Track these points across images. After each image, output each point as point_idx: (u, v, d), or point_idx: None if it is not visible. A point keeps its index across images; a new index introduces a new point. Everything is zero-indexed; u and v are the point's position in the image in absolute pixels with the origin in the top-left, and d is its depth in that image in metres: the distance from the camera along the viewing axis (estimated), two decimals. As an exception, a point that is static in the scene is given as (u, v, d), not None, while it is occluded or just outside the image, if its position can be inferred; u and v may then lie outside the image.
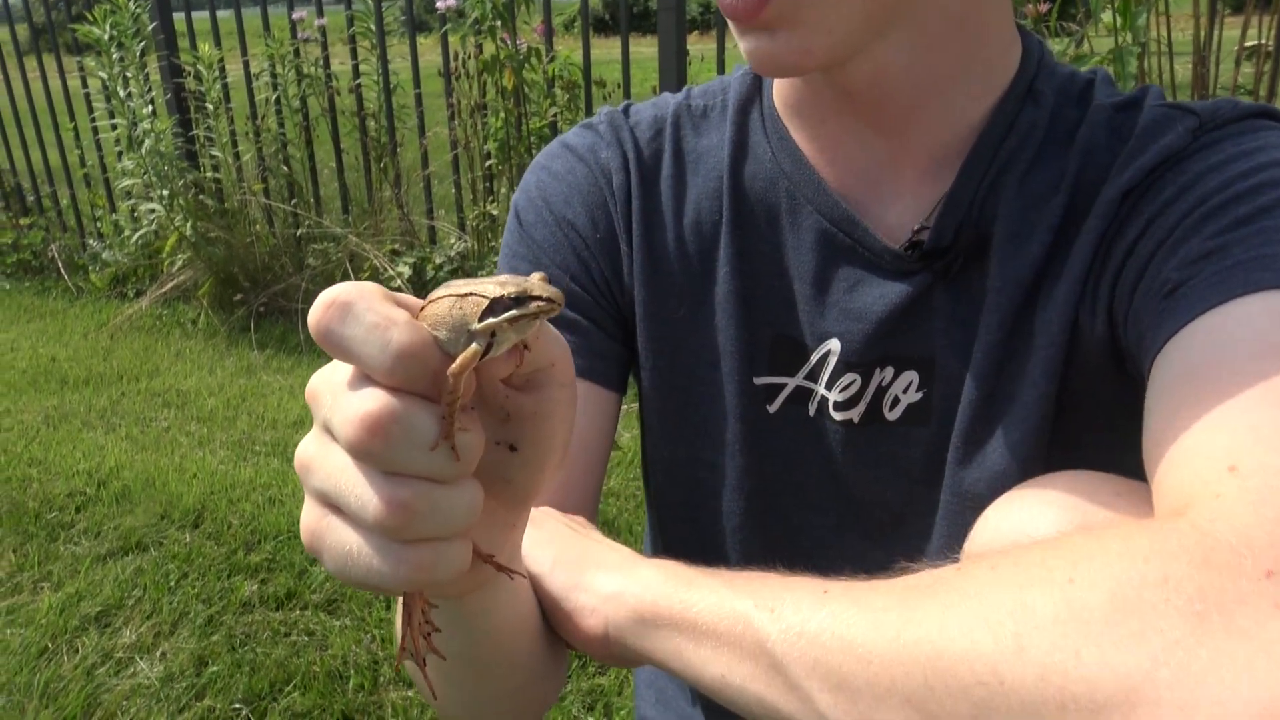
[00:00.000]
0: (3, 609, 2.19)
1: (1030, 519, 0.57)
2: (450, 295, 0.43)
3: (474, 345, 0.42)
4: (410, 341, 0.41)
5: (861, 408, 0.76)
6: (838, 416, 0.76)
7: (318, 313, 0.42)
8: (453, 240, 3.95)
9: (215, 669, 1.94)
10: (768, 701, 0.52)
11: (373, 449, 0.41)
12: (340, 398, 0.43)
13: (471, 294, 0.42)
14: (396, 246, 3.98)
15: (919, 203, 0.73)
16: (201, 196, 4.22)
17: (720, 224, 0.79)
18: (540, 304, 0.42)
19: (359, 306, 0.41)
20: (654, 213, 0.80)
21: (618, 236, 0.81)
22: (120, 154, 4.45)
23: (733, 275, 0.78)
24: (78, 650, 2.03)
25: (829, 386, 0.76)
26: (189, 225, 4.11)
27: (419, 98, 3.91)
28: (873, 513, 0.78)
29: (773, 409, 0.78)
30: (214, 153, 4.27)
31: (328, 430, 0.44)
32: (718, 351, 0.79)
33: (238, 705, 1.84)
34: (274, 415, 3.23)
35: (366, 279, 3.86)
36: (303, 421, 3.16)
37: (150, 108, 4.18)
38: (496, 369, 0.44)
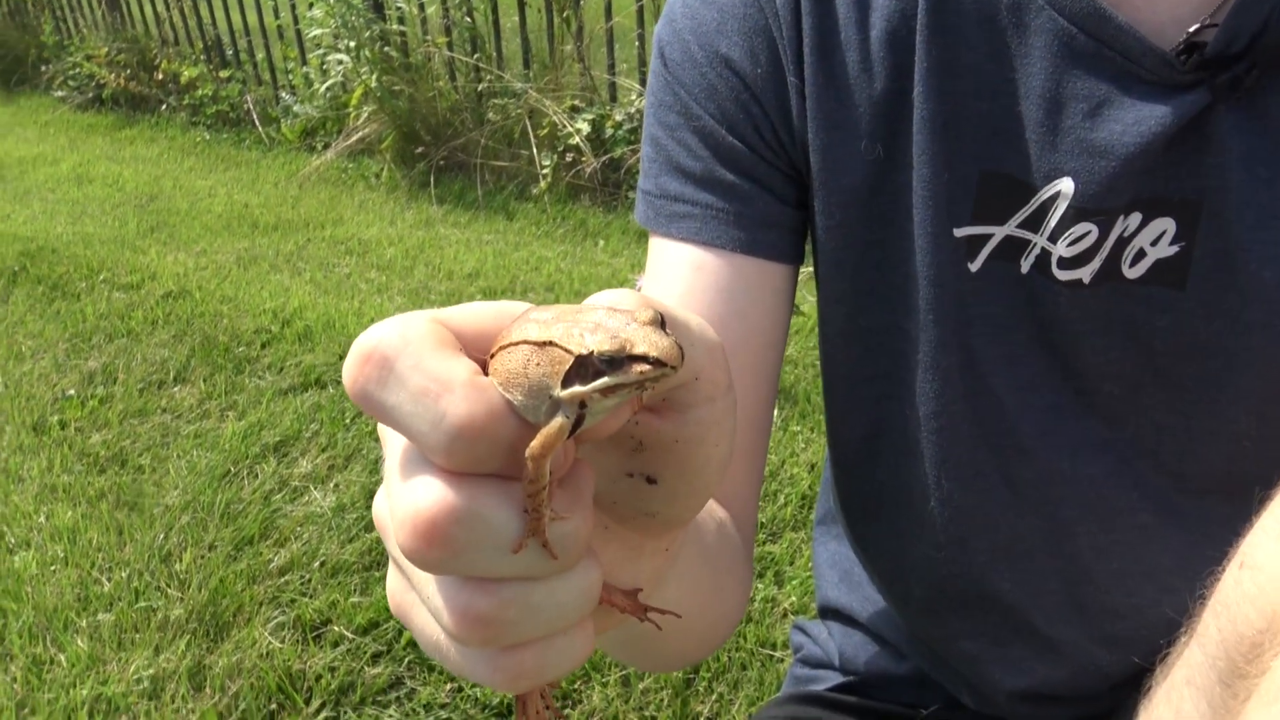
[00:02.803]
0: (191, 433, 2.27)
1: None
2: (526, 343, 0.29)
3: (559, 418, 0.28)
4: (470, 416, 0.28)
5: (1096, 264, 0.58)
6: (1062, 276, 0.59)
7: (352, 369, 0.30)
8: (633, 97, 3.80)
9: (384, 504, 1.95)
10: None
11: (432, 560, 0.29)
12: (391, 480, 0.31)
13: (551, 344, 0.28)
14: (576, 103, 3.87)
15: None
16: (387, 49, 4.21)
17: (915, 31, 0.60)
18: (645, 369, 0.28)
19: (402, 364, 0.29)
20: (831, 31, 0.62)
21: (784, 68, 0.63)
22: (311, 4, 4.48)
23: (929, 96, 0.59)
24: (257, 476, 2.08)
25: (1054, 238, 0.59)
26: (375, 77, 4.11)
27: (605, -56, 3.73)
28: (1101, 389, 0.62)
29: (975, 267, 0.61)
30: (399, 4, 4.23)
31: None
32: (912, 197, 0.62)
33: (404, 540, 1.85)
34: (450, 266, 3.23)
35: (545, 136, 3.79)
36: (477, 274, 3.14)
37: (339, -45, 4.16)
38: (599, 432, 0.31)
